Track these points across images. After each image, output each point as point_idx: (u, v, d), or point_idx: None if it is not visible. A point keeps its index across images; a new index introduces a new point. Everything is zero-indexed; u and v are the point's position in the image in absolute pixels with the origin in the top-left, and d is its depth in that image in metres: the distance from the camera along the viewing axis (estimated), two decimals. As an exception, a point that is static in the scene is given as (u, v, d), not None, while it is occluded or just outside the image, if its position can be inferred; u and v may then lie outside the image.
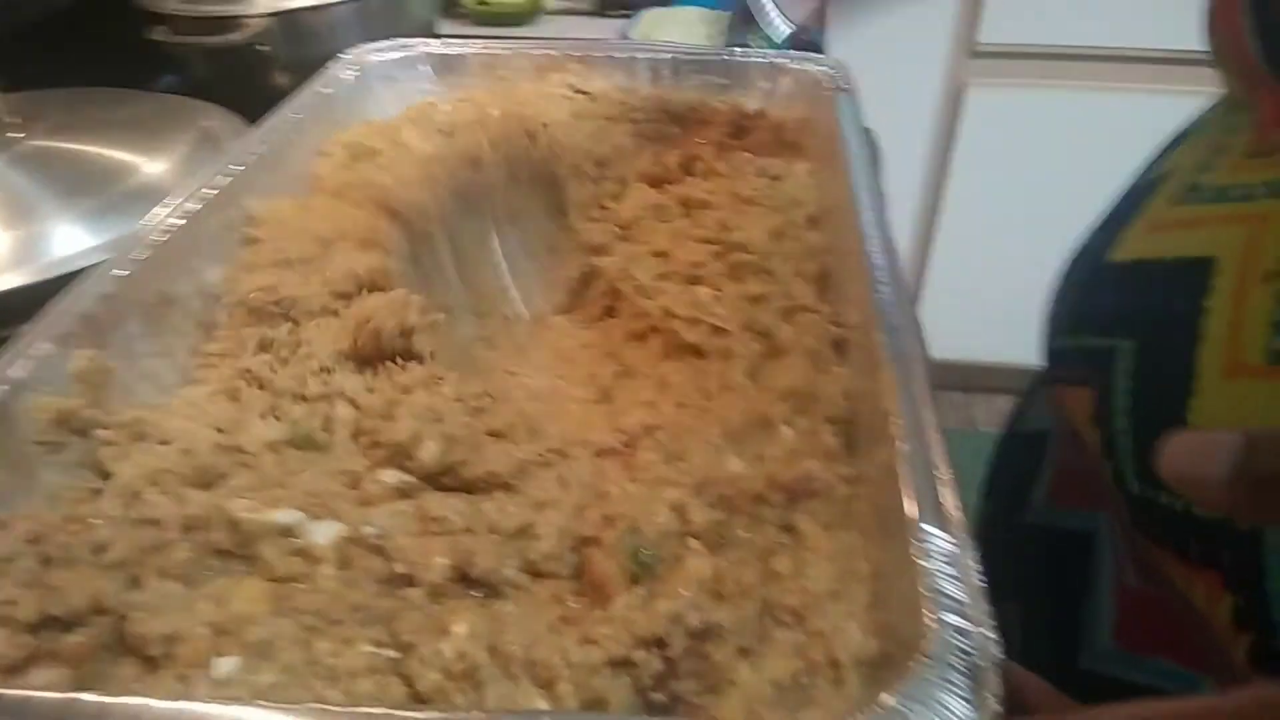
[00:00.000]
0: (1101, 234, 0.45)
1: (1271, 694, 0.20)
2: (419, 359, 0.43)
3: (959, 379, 2.02)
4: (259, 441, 0.37)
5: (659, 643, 0.28)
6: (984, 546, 0.55)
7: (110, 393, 0.44)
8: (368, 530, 0.32)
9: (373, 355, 0.43)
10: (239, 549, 0.32)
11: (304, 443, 0.37)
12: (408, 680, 0.28)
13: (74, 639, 0.30)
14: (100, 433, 0.40)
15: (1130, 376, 0.37)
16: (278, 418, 0.40)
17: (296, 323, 0.46)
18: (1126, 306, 0.39)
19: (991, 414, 1.99)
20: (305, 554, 0.31)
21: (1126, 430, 0.36)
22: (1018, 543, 0.50)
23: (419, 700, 0.28)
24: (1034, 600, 0.48)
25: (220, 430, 0.39)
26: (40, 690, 0.26)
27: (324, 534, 0.32)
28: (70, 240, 0.54)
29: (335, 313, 0.46)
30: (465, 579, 0.32)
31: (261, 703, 0.25)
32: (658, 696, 0.28)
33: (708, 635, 0.28)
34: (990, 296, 1.74)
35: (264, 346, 0.45)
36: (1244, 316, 0.32)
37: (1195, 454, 0.22)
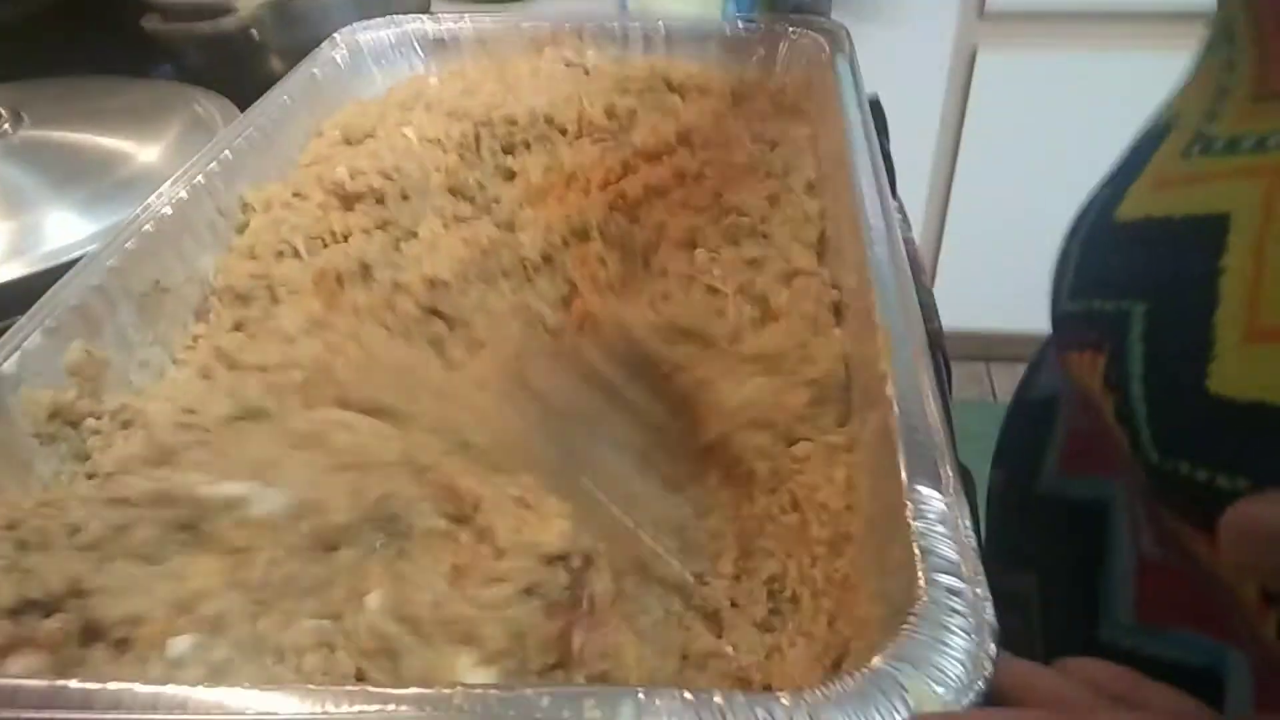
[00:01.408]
0: (1108, 191, 0.43)
1: None
2: None
3: (978, 348, 2.00)
4: (215, 417, 0.37)
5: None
6: (997, 518, 0.54)
7: (106, 383, 0.44)
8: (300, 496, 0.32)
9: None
10: (196, 524, 0.32)
11: (253, 414, 0.37)
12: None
13: (52, 624, 0.30)
14: (90, 422, 0.40)
15: (1144, 340, 0.35)
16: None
17: (276, 300, 0.46)
18: (1137, 267, 0.37)
19: (1011, 383, 1.95)
20: (250, 525, 0.31)
21: (1142, 397, 0.35)
22: (1031, 513, 0.49)
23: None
24: (1050, 572, 0.47)
25: (188, 410, 0.39)
26: (25, 679, 0.26)
27: (269, 503, 0.31)
28: (64, 230, 0.54)
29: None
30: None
31: (243, 685, 0.25)
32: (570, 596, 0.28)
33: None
34: (1007, 263, 1.71)
35: (238, 325, 0.45)
36: (1264, 276, 0.30)
37: (1252, 534, 0.21)
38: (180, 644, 0.28)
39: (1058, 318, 0.44)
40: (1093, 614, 0.41)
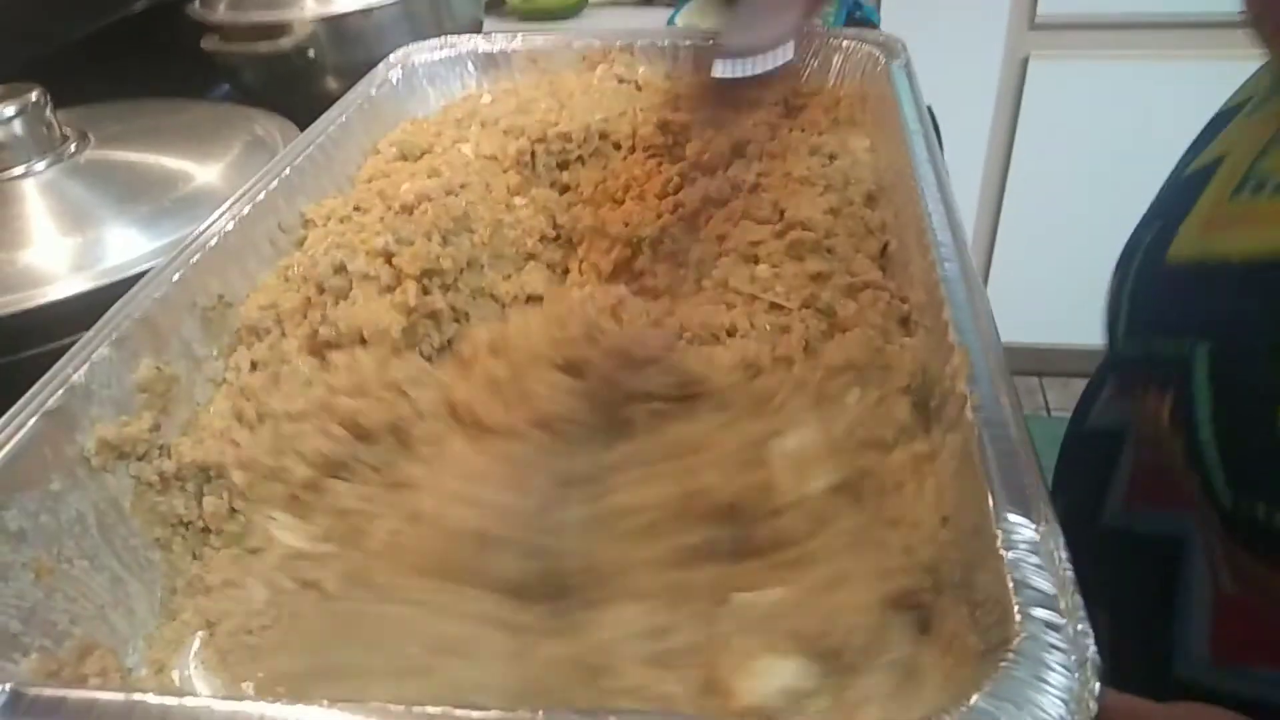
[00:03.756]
0: (1154, 230, 0.42)
1: None
2: None
3: (1030, 362, 1.96)
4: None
5: None
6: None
7: (175, 398, 0.44)
8: None
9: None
10: None
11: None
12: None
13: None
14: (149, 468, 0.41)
15: (1210, 382, 0.34)
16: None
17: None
18: (1195, 308, 0.37)
19: (1065, 398, 1.92)
20: None
21: (1211, 440, 0.34)
22: (1097, 547, 0.47)
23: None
24: (1119, 607, 0.45)
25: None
26: (104, 692, 0.26)
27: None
28: (128, 246, 0.55)
29: None
30: None
31: (322, 703, 0.25)
32: None
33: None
34: (1060, 276, 1.68)
35: (254, 364, 0.45)
36: None
37: None
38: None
39: (1117, 356, 0.43)
40: (1166, 651, 0.40)
